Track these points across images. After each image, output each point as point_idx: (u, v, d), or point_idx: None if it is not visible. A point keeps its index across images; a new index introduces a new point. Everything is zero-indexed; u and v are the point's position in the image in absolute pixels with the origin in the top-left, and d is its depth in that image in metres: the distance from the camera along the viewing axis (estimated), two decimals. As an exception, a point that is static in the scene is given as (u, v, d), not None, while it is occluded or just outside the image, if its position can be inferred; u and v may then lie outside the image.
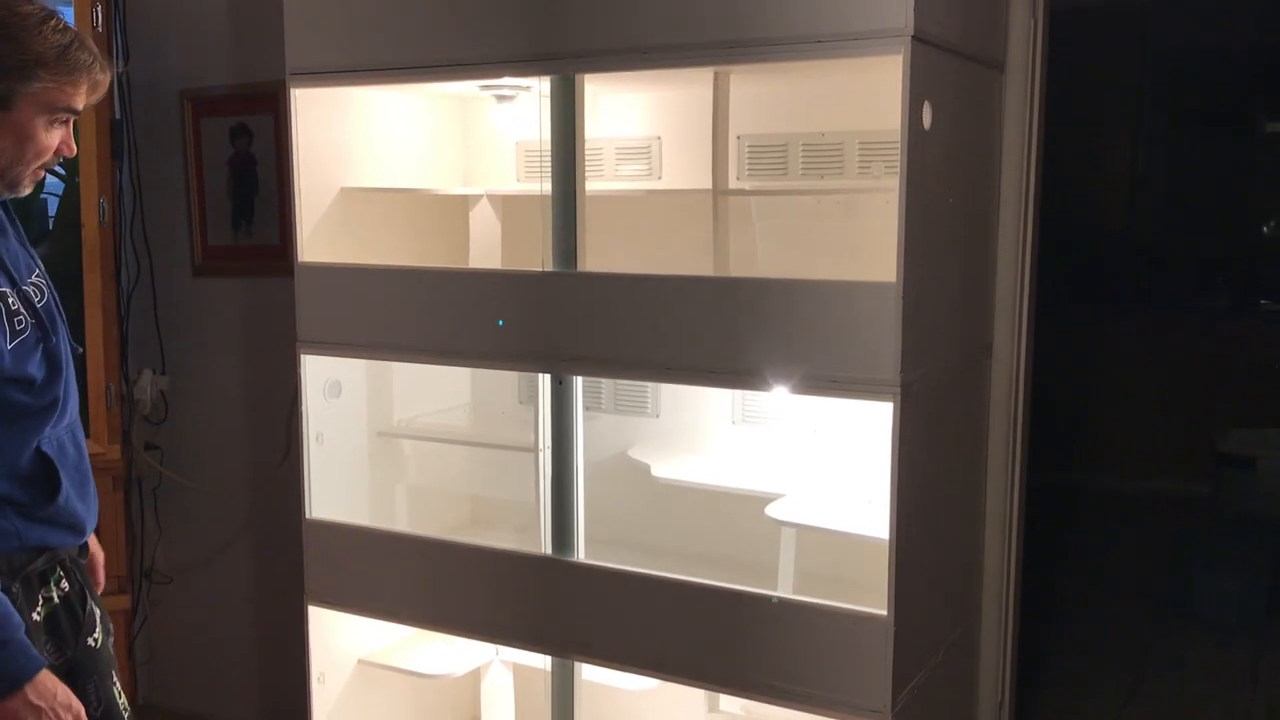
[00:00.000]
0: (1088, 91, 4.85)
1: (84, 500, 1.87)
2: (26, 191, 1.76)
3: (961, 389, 2.49)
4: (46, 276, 1.87)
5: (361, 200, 2.81)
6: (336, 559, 2.73)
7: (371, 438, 2.96)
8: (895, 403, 2.05)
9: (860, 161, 2.62)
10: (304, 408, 2.74)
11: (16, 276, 1.77)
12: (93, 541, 2.01)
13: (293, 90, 2.64)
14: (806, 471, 2.66)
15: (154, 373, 3.48)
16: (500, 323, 2.44)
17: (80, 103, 1.71)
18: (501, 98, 2.84)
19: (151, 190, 3.44)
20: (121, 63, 3.29)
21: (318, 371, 2.77)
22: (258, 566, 3.52)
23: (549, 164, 2.44)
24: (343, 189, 2.79)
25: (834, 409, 2.59)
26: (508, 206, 3.01)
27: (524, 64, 2.39)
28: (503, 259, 2.98)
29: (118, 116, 3.26)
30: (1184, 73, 5.15)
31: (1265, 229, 5.04)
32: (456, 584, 2.58)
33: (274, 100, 3.11)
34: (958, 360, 2.43)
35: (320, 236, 2.74)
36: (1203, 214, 5.17)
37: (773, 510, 2.47)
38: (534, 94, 2.70)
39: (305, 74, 2.62)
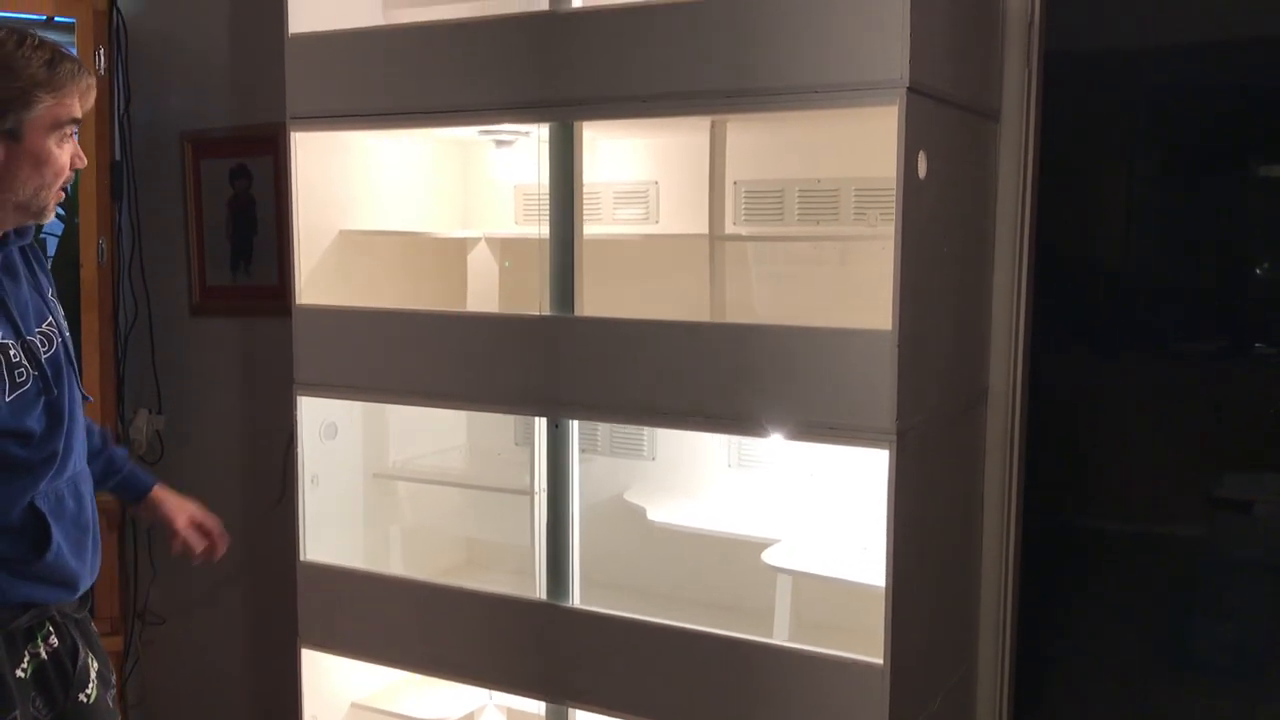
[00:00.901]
0: (1082, 137, 4.88)
1: (80, 555, 1.83)
2: (51, 216, 1.75)
3: (958, 435, 2.50)
4: (61, 324, 1.84)
5: (360, 242, 2.83)
6: (330, 602, 2.71)
7: (367, 479, 2.95)
8: (891, 450, 2.05)
9: (856, 207, 2.64)
10: (300, 449, 2.74)
11: (23, 327, 1.74)
12: (168, 502, 2.07)
13: (293, 134, 2.66)
14: (803, 516, 2.65)
15: (150, 412, 3.47)
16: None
17: (79, 111, 1.70)
18: (501, 143, 2.87)
19: (151, 230, 3.45)
20: (123, 104, 3.31)
21: (314, 413, 2.77)
22: (251, 608, 3.50)
23: (547, 208, 2.46)
24: (341, 231, 2.81)
25: (831, 453, 2.59)
26: (506, 249, 3.03)
27: (523, 111, 2.41)
28: (500, 302, 3.00)
29: (118, 158, 3.27)
30: (1178, 116, 5.18)
31: (1259, 271, 5.07)
32: (450, 628, 2.57)
33: (274, 142, 3.13)
34: (954, 406, 2.43)
35: (318, 278, 2.75)
36: (1198, 257, 5.18)
37: (769, 556, 2.46)
38: (533, 139, 2.72)
39: (305, 118, 2.64)
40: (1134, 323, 5.20)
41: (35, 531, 1.75)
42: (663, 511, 2.74)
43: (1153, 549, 5.10)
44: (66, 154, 1.70)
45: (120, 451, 2.14)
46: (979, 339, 2.60)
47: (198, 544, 2.13)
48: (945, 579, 2.48)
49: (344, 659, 2.76)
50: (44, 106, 1.63)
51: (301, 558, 2.75)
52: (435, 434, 3.10)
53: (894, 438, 2.05)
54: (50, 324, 1.81)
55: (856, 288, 2.57)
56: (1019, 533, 2.73)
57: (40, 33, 1.65)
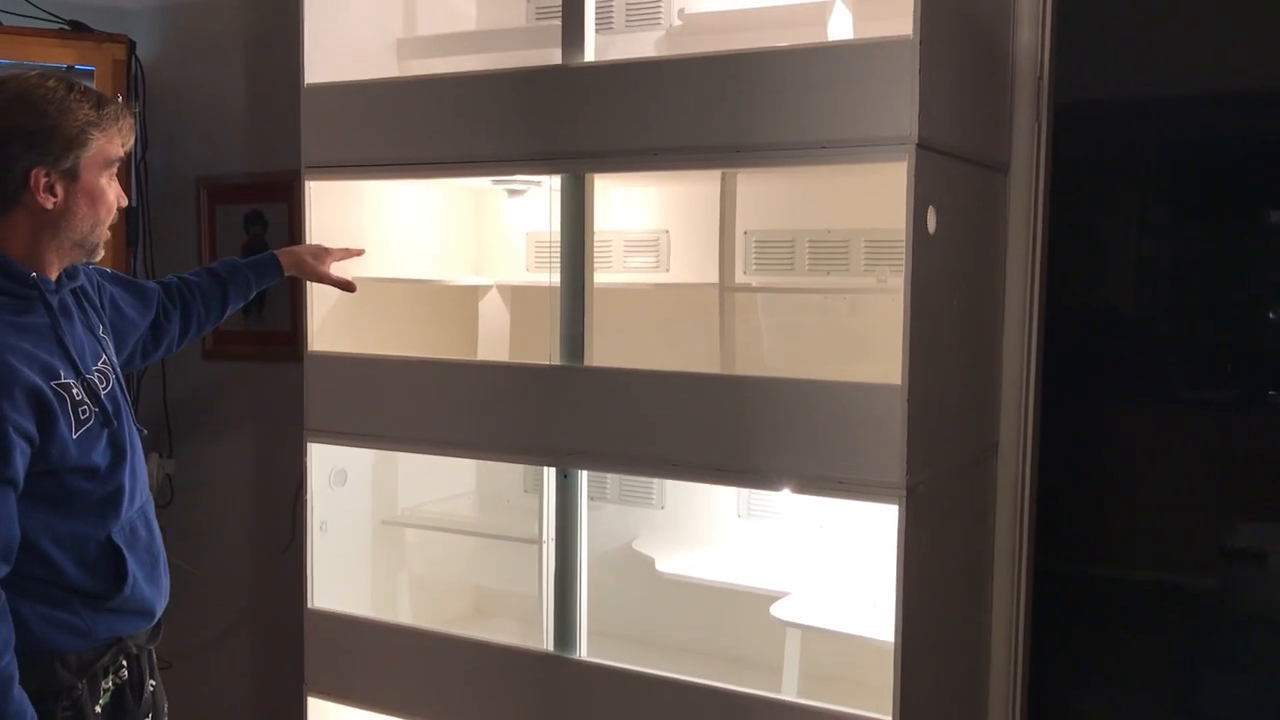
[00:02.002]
0: (1092, 189, 4.90)
1: (154, 582, 1.88)
2: (102, 254, 1.82)
3: (968, 489, 2.49)
4: (114, 360, 1.90)
5: (372, 290, 2.84)
6: (337, 650, 2.70)
7: (376, 526, 2.95)
8: (901, 506, 2.04)
9: (866, 258, 2.64)
10: (309, 496, 2.74)
11: (81, 366, 1.79)
12: (304, 265, 2.44)
13: (307, 183, 2.68)
14: (812, 568, 2.64)
15: (161, 456, 3.48)
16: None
17: (123, 149, 1.78)
18: (513, 192, 2.89)
19: (166, 275, 3.47)
20: (140, 151, 3.35)
21: (324, 459, 2.78)
22: (258, 655, 3.49)
23: (558, 255, 2.47)
24: (353, 279, 2.82)
25: (841, 504, 2.58)
26: (517, 296, 3.04)
27: (535, 162, 2.43)
28: (511, 349, 3.00)
29: (133, 204, 3.31)
30: (1188, 167, 5.20)
31: (1272, 316, 5.05)
32: (457, 678, 2.55)
33: (289, 189, 3.16)
34: (964, 461, 2.42)
35: (330, 325, 2.77)
36: (1210, 307, 5.18)
37: (778, 610, 2.45)
38: (545, 188, 2.74)
39: (320, 167, 2.67)
40: (1146, 373, 5.19)
41: (113, 565, 1.79)
42: (672, 562, 2.73)
43: (1166, 601, 5.05)
44: (114, 191, 1.78)
45: (217, 269, 2.38)
46: (989, 392, 2.59)
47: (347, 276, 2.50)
48: (955, 633, 2.46)
49: (350, 708, 2.75)
50: (96, 145, 1.71)
51: (309, 605, 2.74)
52: (444, 480, 3.11)
53: (904, 493, 2.04)
54: (104, 362, 1.86)
55: (867, 339, 2.57)
56: (1030, 586, 2.71)
57: (78, 80, 1.74)
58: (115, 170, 1.78)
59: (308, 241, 2.69)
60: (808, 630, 2.41)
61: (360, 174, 2.66)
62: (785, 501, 2.72)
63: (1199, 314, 5.14)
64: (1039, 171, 2.60)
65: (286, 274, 2.48)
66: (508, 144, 2.43)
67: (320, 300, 2.74)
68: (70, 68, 3.04)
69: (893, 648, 2.08)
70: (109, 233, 1.82)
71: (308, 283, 2.71)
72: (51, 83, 1.69)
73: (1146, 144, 5.11)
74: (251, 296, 2.43)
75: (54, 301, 1.77)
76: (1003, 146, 2.57)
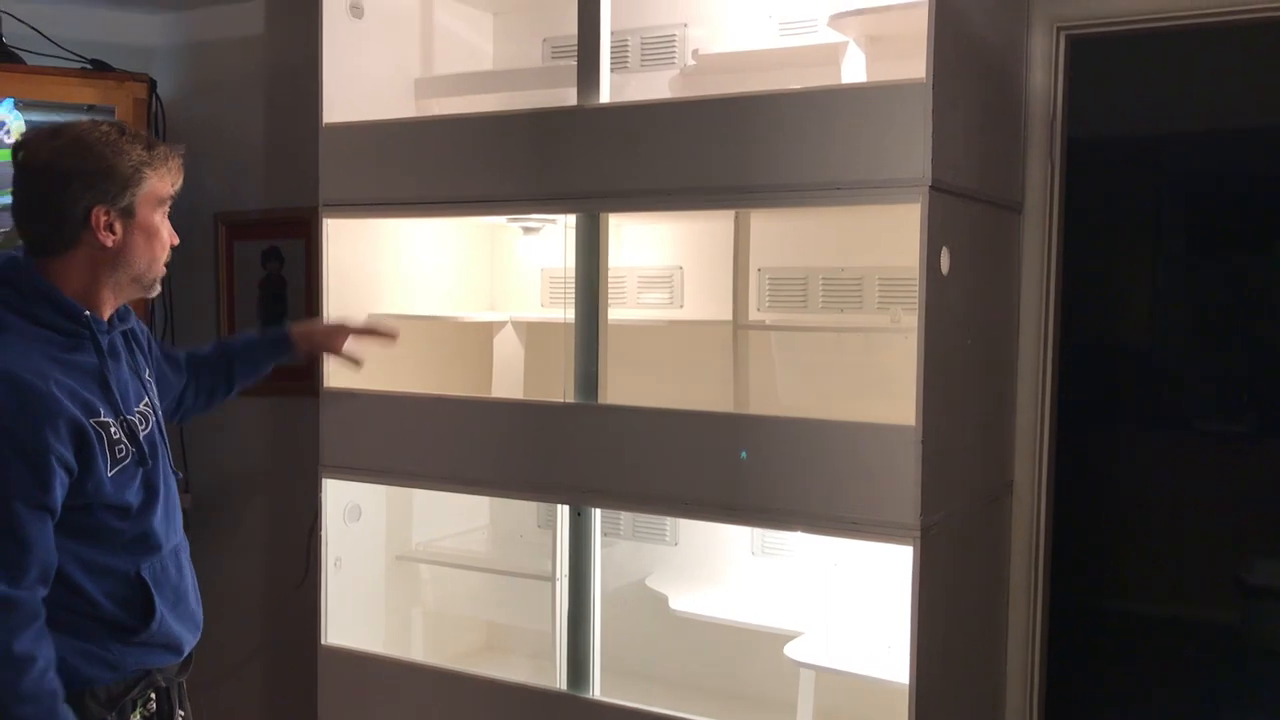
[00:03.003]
0: (1105, 226, 4.91)
1: (182, 619, 1.91)
2: (158, 290, 1.89)
3: (983, 529, 2.48)
4: (156, 404, 1.94)
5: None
6: (350, 686, 2.70)
7: (389, 561, 2.95)
8: (915, 547, 2.04)
9: (880, 296, 2.65)
10: (324, 532, 2.75)
11: (122, 406, 1.83)
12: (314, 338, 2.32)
13: (325, 220, 2.71)
14: (826, 606, 2.63)
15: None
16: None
17: (174, 189, 1.85)
18: (528, 229, 2.91)
19: (182, 309, 3.51)
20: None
21: (339, 495, 2.79)
22: (271, 689, 3.49)
23: (573, 292, 2.48)
24: (370, 315, 2.84)
25: (855, 543, 2.58)
26: (531, 332, 3.05)
27: (550, 202, 2.45)
28: (525, 385, 3.01)
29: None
30: (1202, 203, 5.21)
31: (1285, 348, 5.02)
32: (469, 717, 2.55)
33: (306, 225, 3.18)
34: (979, 500, 2.42)
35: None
36: (1224, 341, 5.17)
37: (792, 650, 2.44)
38: (560, 226, 2.76)
39: (338, 205, 2.69)
40: (1161, 408, 5.17)
41: (141, 600, 1.82)
42: (685, 600, 2.72)
43: (1183, 639, 5.01)
44: (166, 229, 1.85)
45: (229, 345, 2.31)
46: (1003, 431, 2.59)
47: (363, 355, 2.39)
48: (971, 673, 2.45)
49: (363, 745, 2.74)
50: (149, 183, 1.79)
51: (323, 641, 2.74)
52: (458, 515, 3.11)
53: (918, 534, 2.04)
54: (146, 404, 1.91)
55: (881, 377, 2.57)
56: (1045, 624, 2.69)
57: (129, 124, 1.84)
58: (167, 209, 1.84)
59: (325, 279, 2.71)
60: (821, 671, 2.40)
61: (377, 212, 2.69)
62: (799, 539, 2.72)
63: (1213, 348, 5.14)
64: (1052, 211, 2.61)
65: (299, 349, 2.39)
66: (523, 183, 2.45)
67: (336, 336, 2.75)
68: (91, 107, 3.08)
69: (907, 689, 2.07)
70: (164, 270, 1.88)
71: (325, 318, 2.73)
72: (105, 127, 1.78)
73: (1159, 182, 5.12)
74: (266, 372, 2.36)
75: (104, 342, 1.82)
76: (1016, 186, 2.58)
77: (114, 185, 1.74)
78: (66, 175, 1.72)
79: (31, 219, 1.77)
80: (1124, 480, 5.11)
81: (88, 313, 1.79)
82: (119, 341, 1.89)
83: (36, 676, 1.66)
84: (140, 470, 1.83)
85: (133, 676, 1.83)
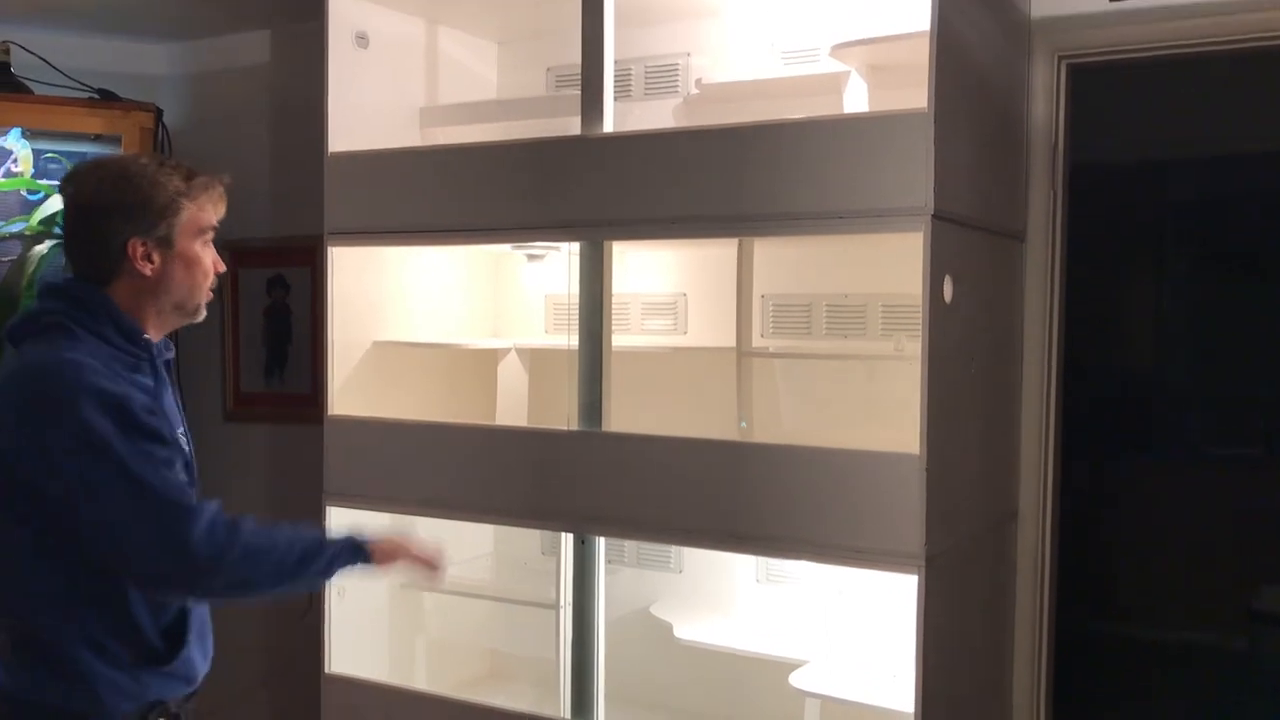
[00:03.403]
0: (1109, 253, 4.91)
1: (203, 651, 1.92)
2: (203, 316, 1.92)
3: (987, 556, 2.47)
4: (189, 432, 1.97)
5: (392, 354, 2.87)
6: (354, 715, 2.69)
7: (393, 589, 2.95)
8: (920, 575, 2.03)
9: (884, 322, 2.65)
10: (328, 560, 2.74)
11: (173, 427, 1.86)
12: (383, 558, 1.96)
13: (330, 248, 2.72)
14: (831, 634, 2.62)
15: (181, 516, 3.49)
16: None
17: (216, 218, 1.88)
18: (532, 256, 2.92)
19: (187, 336, 3.49)
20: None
21: (343, 522, 2.78)
22: (276, 719, 3.47)
23: (577, 319, 2.49)
24: (375, 343, 2.85)
25: (860, 570, 2.57)
26: (535, 359, 3.06)
27: (554, 230, 2.46)
28: (529, 413, 3.01)
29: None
30: (1206, 226, 5.21)
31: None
32: (474, 746, 2.54)
33: (312, 254, 3.20)
34: (983, 528, 2.41)
35: (351, 388, 2.79)
36: (1230, 365, 5.16)
37: (796, 679, 2.43)
38: (564, 253, 2.77)
39: (342, 233, 2.70)
40: (1166, 433, 5.16)
41: (177, 630, 1.83)
42: (690, 628, 2.71)
43: (1190, 666, 4.98)
44: (209, 257, 1.87)
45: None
46: (1008, 458, 2.59)
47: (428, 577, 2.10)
48: (976, 700, 2.43)
49: (366, 774, 2.73)
50: (188, 213, 1.81)
51: (327, 669, 2.73)
52: (462, 542, 3.10)
53: (922, 563, 2.03)
54: (183, 431, 1.94)
55: (885, 404, 2.57)
56: (1051, 651, 2.68)
57: (172, 157, 1.89)
58: (209, 237, 1.87)
59: (329, 306, 2.72)
60: (827, 700, 2.38)
61: (381, 240, 2.70)
62: (804, 567, 2.71)
63: (1219, 372, 5.13)
64: (1055, 238, 2.61)
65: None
66: (527, 212, 2.46)
67: (341, 363, 2.77)
68: (97, 137, 3.10)
69: (913, 718, 2.06)
70: (210, 295, 1.91)
71: (329, 346, 2.74)
72: (144, 160, 1.84)
73: (1162, 208, 5.12)
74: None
75: (159, 365, 1.87)
76: (1019, 214, 2.59)
77: (151, 216, 1.79)
78: (107, 208, 1.78)
79: (77, 250, 1.83)
80: (1130, 505, 5.09)
81: (147, 336, 1.83)
82: (162, 368, 1.92)
83: (276, 545, 1.78)
84: (191, 490, 1.85)
85: (147, 704, 1.83)
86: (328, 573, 1.88)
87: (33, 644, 1.75)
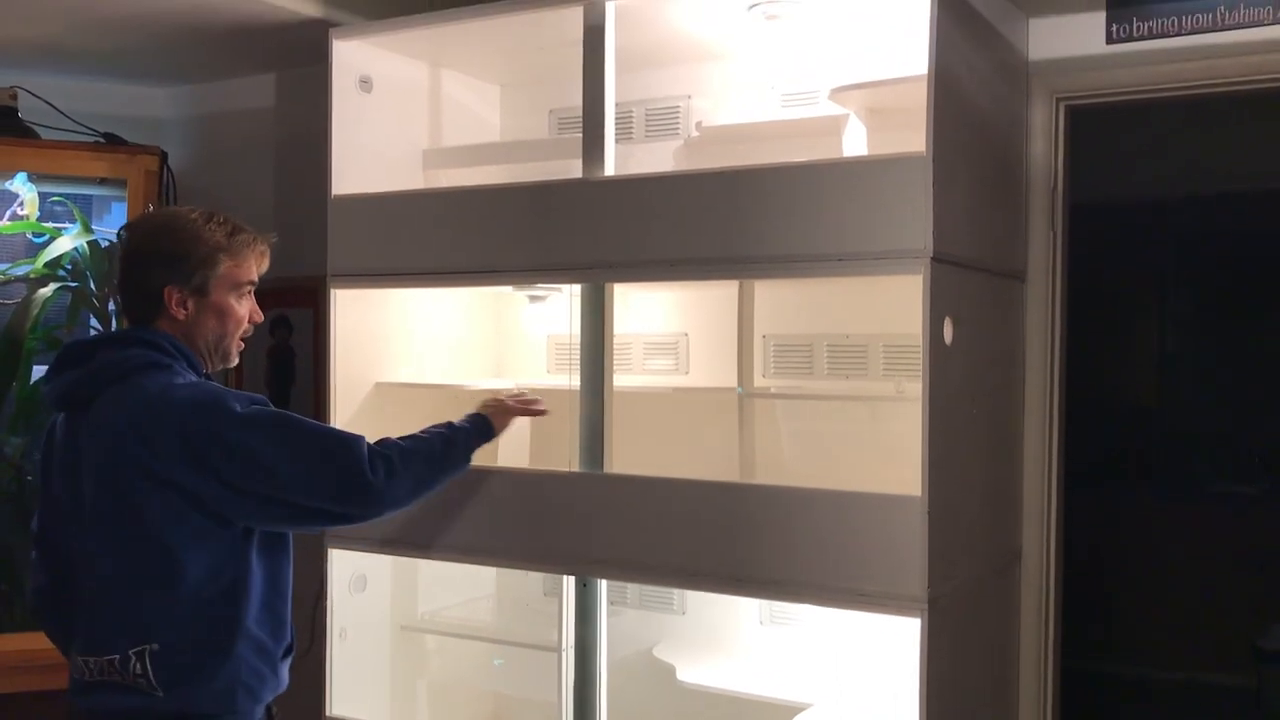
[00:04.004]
0: (1109, 292, 4.93)
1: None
2: (235, 361, 2.02)
3: (991, 598, 2.46)
4: None
5: (395, 395, 2.87)
6: (355, 759, 2.68)
7: (395, 631, 2.93)
8: (923, 619, 2.02)
9: (885, 363, 2.65)
10: (329, 602, 2.74)
11: None
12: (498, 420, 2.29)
13: (333, 290, 2.73)
14: (836, 676, 2.60)
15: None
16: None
17: (255, 274, 1.99)
18: (534, 297, 2.93)
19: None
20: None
21: (344, 565, 2.78)
22: (275, 759, 3.44)
23: (578, 359, 2.49)
24: (377, 384, 2.85)
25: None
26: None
27: (556, 272, 2.47)
28: (531, 454, 3.01)
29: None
30: (1206, 264, 5.23)
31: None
32: (476, 791, 2.52)
33: (314, 295, 3.21)
34: (987, 570, 2.40)
35: (354, 429, 2.76)
36: (1232, 403, 5.16)
37: (800, 723, 2.41)
38: (565, 294, 2.78)
39: (346, 276, 2.72)
40: (1169, 473, 5.15)
41: (289, 617, 1.99)
42: (693, 670, 2.70)
43: (1197, 706, 4.94)
44: (245, 309, 1.98)
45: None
46: (1011, 499, 2.58)
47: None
48: (982, 746, 2.41)
49: (367, 819, 2.71)
50: (225, 267, 1.92)
51: (328, 712, 2.72)
52: (464, 584, 3.09)
53: (925, 605, 2.02)
54: None
55: (888, 444, 2.56)
56: (1056, 693, 2.66)
57: (224, 212, 1.98)
58: (246, 290, 1.97)
59: (332, 347, 2.73)
60: (831, 743, 2.37)
61: (384, 283, 2.71)
62: (808, 608, 2.70)
63: (1221, 410, 5.12)
64: (1055, 278, 2.62)
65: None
66: (529, 254, 2.47)
67: (344, 404, 2.77)
68: (102, 180, 3.12)
69: (918, 764, 2.05)
70: (242, 344, 2.01)
71: (332, 387, 2.74)
72: (194, 214, 1.95)
73: (1162, 247, 5.14)
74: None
75: None
76: (1019, 254, 2.60)
77: (188, 267, 1.89)
78: (149, 256, 1.91)
79: (124, 291, 1.95)
80: (1134, 544, 5.07)
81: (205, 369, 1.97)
82: None
83: (420, 441, 2.07)
84: None
85: (270, 702, 1.96)
86: (468, 450, 2.17)
87: (195, 657, 1.82)
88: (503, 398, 2.34)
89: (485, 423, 2.23)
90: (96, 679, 1.81)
